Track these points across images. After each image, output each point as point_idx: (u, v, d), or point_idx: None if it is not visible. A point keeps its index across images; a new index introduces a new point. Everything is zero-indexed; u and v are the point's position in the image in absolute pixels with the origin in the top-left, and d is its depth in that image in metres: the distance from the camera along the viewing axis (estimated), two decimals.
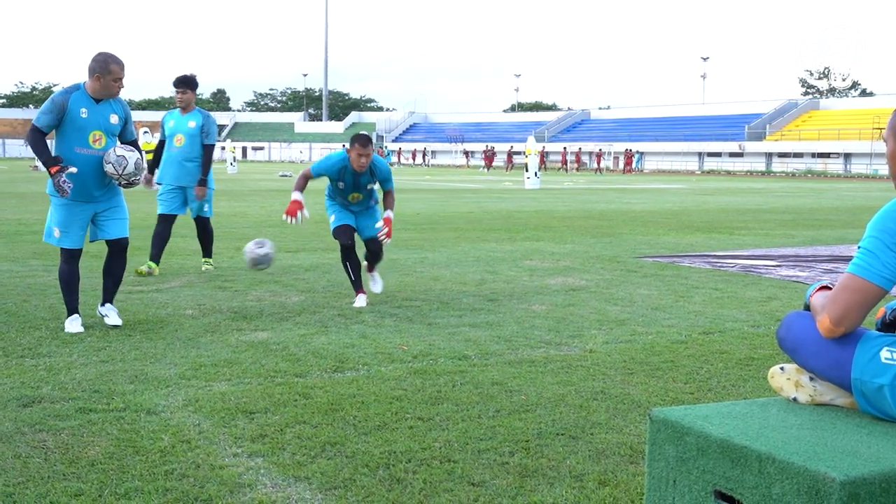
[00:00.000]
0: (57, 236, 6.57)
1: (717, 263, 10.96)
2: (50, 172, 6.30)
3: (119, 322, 6.65)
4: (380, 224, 7.85)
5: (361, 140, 7.59)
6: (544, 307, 7.72)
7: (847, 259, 11.56)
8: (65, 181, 6.28)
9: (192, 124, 9.68)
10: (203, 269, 9.90)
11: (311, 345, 6.14)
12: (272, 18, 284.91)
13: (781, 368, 3.07)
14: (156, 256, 9.59)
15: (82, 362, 5.54)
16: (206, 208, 9.92)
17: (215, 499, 3.45)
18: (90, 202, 6.58)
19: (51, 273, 9.30)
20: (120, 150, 6.49)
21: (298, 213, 7.57)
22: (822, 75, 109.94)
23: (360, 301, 7.72)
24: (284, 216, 7.58)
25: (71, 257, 6.62)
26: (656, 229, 16.12)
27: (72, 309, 6.59)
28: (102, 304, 6.77)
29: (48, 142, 6.42)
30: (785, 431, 2.67)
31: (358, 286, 7.83)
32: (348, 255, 7.86)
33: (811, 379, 2.99)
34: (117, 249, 6.76)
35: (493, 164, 75.86)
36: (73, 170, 6.34)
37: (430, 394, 4.94)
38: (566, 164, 73.29)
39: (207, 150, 9.72)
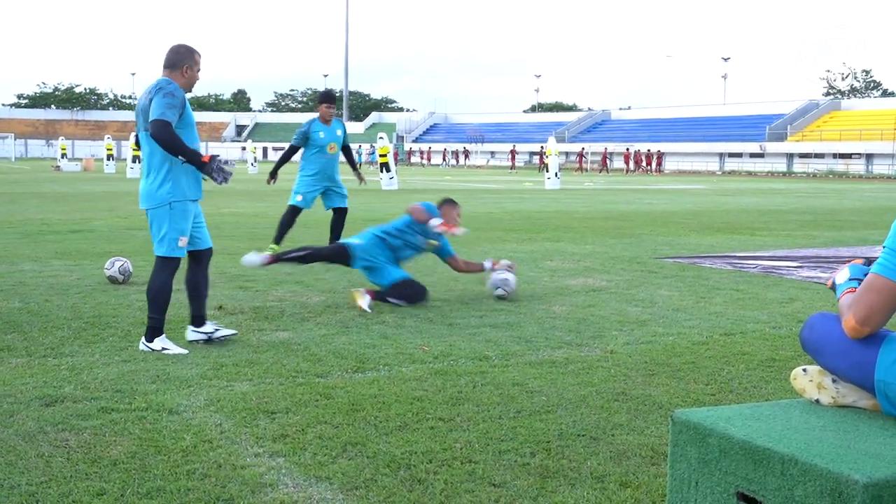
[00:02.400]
0: (183, 245, 6.03)
1: (739, 264, 10.91)
2: (204, 161, 5.88)
3: (232, 332, 6.26)
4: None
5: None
6: (565, 308, 7.70)
7: (869, 260, 11.47)
8: (224, 163, 5.96)
9: (339, 133, 11.23)
10: None
11: (332, 345, 6.15)
12: (293, 19, 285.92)
13: (804, 370, 3.06)
14: (278, 239, 11.05)
15: (104, 362, 5.58)
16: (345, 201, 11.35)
17: (237, 499, 3.47)
18: (197, 202, 6.16)
19: (73, 273, 9.37)
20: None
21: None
22: (845, 76, 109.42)
23: (253, 259, 8.02)
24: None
25: (175, 270, 6.13)
26: (677, 230, 16.06)
27: (161, 324, 6.02)
28: (200, 325, 6.19)
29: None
30: (808, 433, 2.66)
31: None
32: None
33: (834, 381, 2.98)
34: (208, 258, 6.31)
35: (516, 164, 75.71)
36: (221, 156, 5.96)
37: (451, 394, 4.94)
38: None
39: (349, 150, 11.55)
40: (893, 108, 76.23)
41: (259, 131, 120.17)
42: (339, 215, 11.31)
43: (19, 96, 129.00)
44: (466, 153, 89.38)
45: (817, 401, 3.00)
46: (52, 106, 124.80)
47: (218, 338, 6.16)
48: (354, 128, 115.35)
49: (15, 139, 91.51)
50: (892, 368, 2.75)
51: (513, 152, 76.77)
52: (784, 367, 5.63)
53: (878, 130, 72.00)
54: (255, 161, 57.02)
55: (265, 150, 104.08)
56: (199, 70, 6.13)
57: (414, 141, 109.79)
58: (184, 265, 6.22)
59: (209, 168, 5.91)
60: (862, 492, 2.28)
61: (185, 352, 5.91)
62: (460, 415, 4.57)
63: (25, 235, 13.42)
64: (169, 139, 5.80)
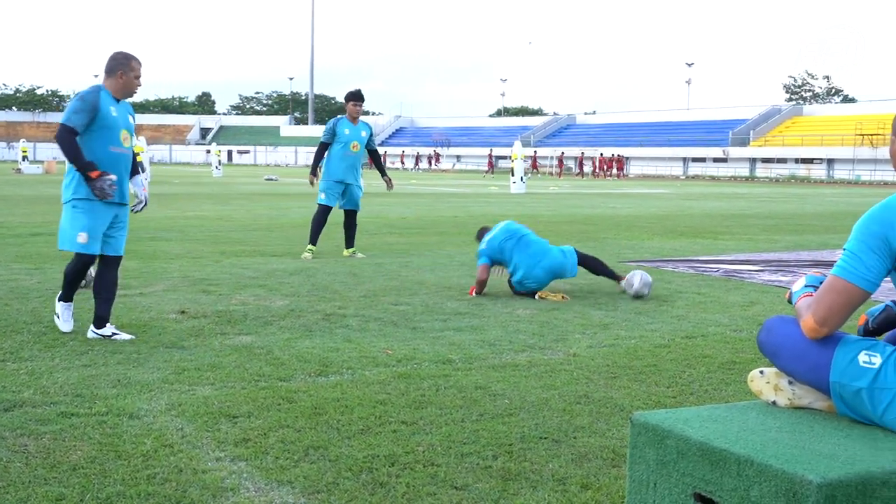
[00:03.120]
0: (83, 241, 6.24)
1: (701, 268, 11.00)
2: (91, 177, 6.13)
3: (129, 337, 6.36)
4: None
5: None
6: (528, 311, 7.73)
7: (829, 264, 11.63)
8: (111, 185, 6.19)
9: (364, 134, 11.78)
10: (358, 255, 11.66)
11: (295, 349, 6.13)
12: (258, 22, 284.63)
13: (761, 372, 3.10)
14: (314, 240, 11.61)
15: (64, 366, 5.52)
16: (360, 203, 11.83)
17: (198, 503, 3.45)
18: (118, 204, 6.41)
19: (33, 276, 9.27)
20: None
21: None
22: (809, 77, 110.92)
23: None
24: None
25: (86, 264, 6.43)
26: (640, 234, 16.17)
27: (69, 296, 6.52)
28: (102, 326, 6.37)
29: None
30: (764, 434, 2.69)
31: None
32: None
33: (790, 382, 3.02)
34: (115, 263, 6.55)
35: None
36: (113, 177, 6.23)
37: (414, 398, 4.95)
38: (536, 168, 72.99)
39: (377, 154, 12.01)
40: (854, 114, 77.25)
41: (224, 134, 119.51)
42: (349, 218, 11.84)
43: None
44: (437, 157, 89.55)
45: (774, 402, 3.04)
46: (13, 108, 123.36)
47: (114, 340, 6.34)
48: (319, 131, 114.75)
49: None
50: (847, 370, 2.79)
51: (490, 156, 76.56)
52: (744, 370, 5.68)
53: (839, 136, 72.93)
54: (220, 164, 56.64)
55: (230, 153, 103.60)
56: (136, 76, 6.46)
57: (380, 144, 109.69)
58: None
59: (91, 184, 6.19)
60: (816, 492, 2.31)
61: (68, 328, 6.47)
62: (423, 418, 4.58)
63: None
64: (64, 144, 6.18)
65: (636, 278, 8.52)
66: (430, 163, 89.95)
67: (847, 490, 2.35)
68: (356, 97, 11.73)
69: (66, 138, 6.15)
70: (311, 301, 8.07)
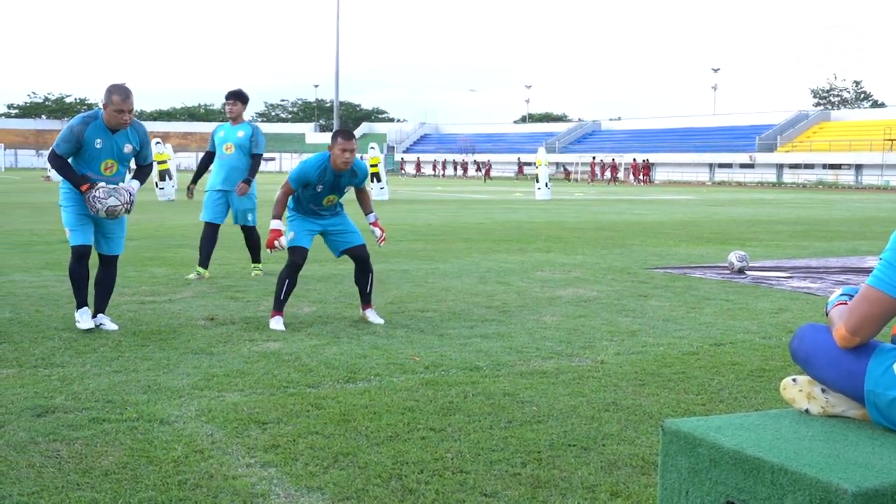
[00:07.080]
0: (68, 235, 6.95)
1: (729, 275, 10.94)
2: (81, 191, 6.74)
3: (115, 327, 6.99)
4: (377, 232, 7.55)
5: (344, 134, 7.17)
6: (555, 318, 7.72)
7: (858, 271, 11.54)
8: (95, 197, 6.71)
9: (240, 134, 10.25)
10: (252, 274, 10.45)
11: (322, 355, 6.15)
12: (284, 29, 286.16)
13: (794, 380, 3.08)
14: (204, 262, 10.13)
15: (95, 372, 5.57)
16: (249, 217, 10.42)
17: None
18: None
19: (63, 283, 9.34)
20: (130, 191, 6.89)
21: (276, 242, 7.22)
22: (829, 89, 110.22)
23: (277, 324, 7.11)
24: (267, 249, 7.34)
25: (80, 256, 6.93)
26: (667, 240, 16.10)
27: (81, 302, 6.97)
28: (95, 315, 7.06)
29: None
30: (797, 443, 2.67)
31: (280, 306, 7.25)
32: (293, 273, 7.35)
33: (823, 391, 2.99)
34: (110, 261, 7.18)
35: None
36: (102, 184, 6.77)
37: (442, 404, 4.95)
38: (569, 176, 72.70)
39: (255, 158, 10.29)
40: (883, 119, 76.64)
41: None
42: (246, 233, 10.51)
43: (10, 106, 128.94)
44: (490, 167, 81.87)
45: (807, 411, 3.02)
46: (43, 116, 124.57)
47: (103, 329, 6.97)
48: None
49: (5, 149, 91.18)
50: (882, 379, 2.77)
51: (592, 164, 74.50)
52: (774, 377, 5.65)
53: (867, 141, 72.33)
54: None
55: None
56: (115, 110, 6.68)
57: (405, 151, 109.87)
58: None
59: (83, 197, 6.80)
60: (851, 501, 2.30)
61: (86, 326, 6.81)
62: (451, 425, 4.58)
63: (15, 246, 13.38)
64: (56, 167, 6.79)
65: (735, 257, 11.07)
66: (478, 168, 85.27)
67: (882, 499, 2.33)
68: (231, 95, 10.30)
69: (56, 163, 6.78)
70: (337, 308, 8.09)
